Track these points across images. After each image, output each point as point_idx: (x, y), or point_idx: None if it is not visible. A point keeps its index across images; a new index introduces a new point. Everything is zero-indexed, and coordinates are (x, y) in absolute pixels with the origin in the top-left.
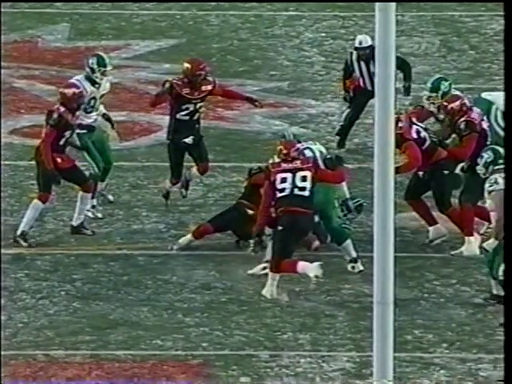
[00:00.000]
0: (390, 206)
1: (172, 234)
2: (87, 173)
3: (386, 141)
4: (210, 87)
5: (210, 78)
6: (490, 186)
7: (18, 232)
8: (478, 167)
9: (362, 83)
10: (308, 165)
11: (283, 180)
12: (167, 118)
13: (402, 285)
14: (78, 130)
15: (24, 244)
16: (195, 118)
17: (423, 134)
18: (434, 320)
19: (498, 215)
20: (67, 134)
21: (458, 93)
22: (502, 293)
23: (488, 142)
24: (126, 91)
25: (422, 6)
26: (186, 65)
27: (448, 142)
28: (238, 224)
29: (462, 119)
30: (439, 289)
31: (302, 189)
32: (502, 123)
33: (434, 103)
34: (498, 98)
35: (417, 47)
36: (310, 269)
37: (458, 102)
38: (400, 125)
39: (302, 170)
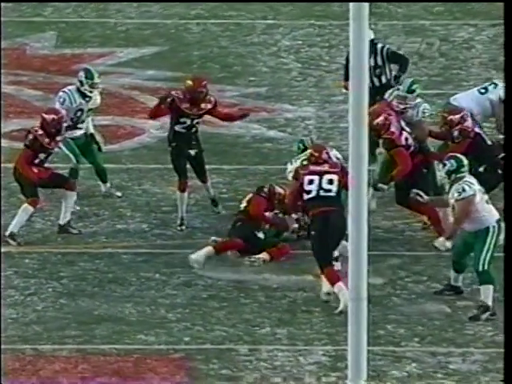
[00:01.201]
0: (363, 207)
1: (155, 233)
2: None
3: (360, 144)
4: (209, 106)
5: (212, 98)
6: (459, 194)
7: (7, 233)
8: (439, 173)
9: None
10: (336, 169)
11: (310, 182)
12: (150, 122)
13: (376, 282)
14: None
15: (13, 243)
16: (192, 130)
17: (410, 140)
18: (405, 315)
19: (457, 220)
20: (42, 155)
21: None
22: (459, 284)
23: (489, 143)
24: (110, 96)
25: (394, 16)
26: (189, 82)
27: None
28: (246, 239)
29: (457, 128)
30: (411, 285)
31: (328, 191)
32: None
33: (408, 104)
34: (463, 101)
35: None
36: (343, 296)
37: (458, 116)
38: (392, 129)
39: (329, 173)
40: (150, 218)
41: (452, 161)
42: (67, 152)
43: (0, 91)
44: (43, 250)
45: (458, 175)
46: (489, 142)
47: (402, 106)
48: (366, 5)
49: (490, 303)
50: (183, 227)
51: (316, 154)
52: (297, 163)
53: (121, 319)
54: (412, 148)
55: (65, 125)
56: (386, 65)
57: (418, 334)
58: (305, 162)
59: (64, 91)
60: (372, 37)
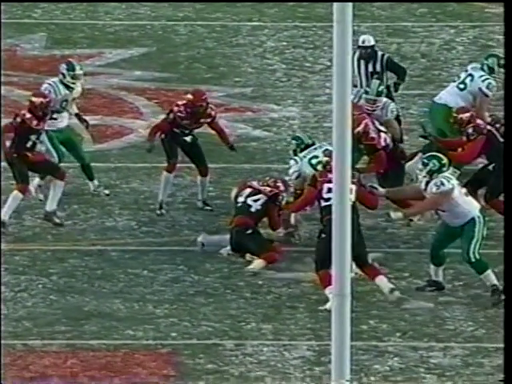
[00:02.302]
0: (347, 205)
1: (143, 230)
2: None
3: (344, 142)
4: (208, 120)
5: (213, 112)
6: (437, 188)
7: None
8: (420, 173)
9: (359, 84)
10: (354, 179)
11: (329, 190)
12: (138, 121)
13: (359, 278)
14: (47, 127)
15: (3, 230)
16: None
17: (388, 140)
18: (387, 311)
19: (424, 207)
20: (33, 137)
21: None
22: (439, 279)
23: (501, 140)
24: (99, 97)
25: (376, 17)
26: (189, 96)
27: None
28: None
29: (470, 125)
30: (393, 282)
31: None
32: None
33: (378, 106)
34: (449, 99)
35: None
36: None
37: (467, 114)
38: (372, 135)
39: None
40: (138, 216)
41: (434, 161)
42: (50, 148)
43: (0, 90)
44: (33, 248)
45: (440, 174)
46: (501, 139)
47: (371, 108)
48: (350, 7)
49: (498, 283)
50: (162, 211)
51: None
52: (303, 162)
53: (109, 315)
54: (390, 146)
55: (57, 103)
56: (384, 72)
57: (400, 329)
58: (313, 161)
59: (49, 83)
60: (372, 43)
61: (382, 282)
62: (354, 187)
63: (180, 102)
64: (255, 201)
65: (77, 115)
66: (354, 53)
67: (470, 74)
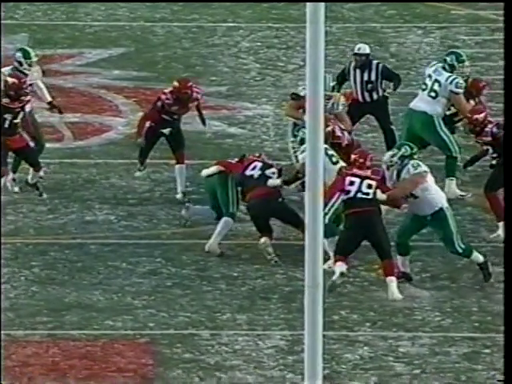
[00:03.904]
0: (319, 199)
1: (122, 224)
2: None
3: (316, 138)
4: (196, 103)
5: (199, 96)
6: (415, 168)
7: None
8: (391, 159)
9: (354, 93)
10: (377, 177)
11: (351, 183)
12: (117, 119)
13: (330, 270)
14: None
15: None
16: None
17: (350, 138)
18: (358, 301)
19: (404, 189)
20: (8, 116)
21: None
22: (407, 270)
23: None
24: (79, 95)
25: (347, 19)
26: (175, 83)
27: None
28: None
29: (491, 125)
30: (363, 273)
31: (366, 194)
32: (446, 131)
33: (330, 101)
34: (427, 107)
35: (342, 55)
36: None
37: (482, 115)
38: (337, 134)
39: (370, 178)
40: (116, 210)
41: (406, 147)
42: None
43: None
44: (16, 241)
45: (412, 161)
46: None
47: (324, 103)
48: (322, 8)
49: (483, 258)
50: (142, 167)
51: (361, 160)
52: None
53: (89, 306)
54: (350, 141)
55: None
56: (378, 81)
57: (370, 319)
58: (334, 159)
59: None
60: (367, 51)
61: (390, 284)
62: (374, 183)
63: (166, 90)
64: (273, 173)
65: (50, 103)
66: (350, 62)
67: (436, 80)
